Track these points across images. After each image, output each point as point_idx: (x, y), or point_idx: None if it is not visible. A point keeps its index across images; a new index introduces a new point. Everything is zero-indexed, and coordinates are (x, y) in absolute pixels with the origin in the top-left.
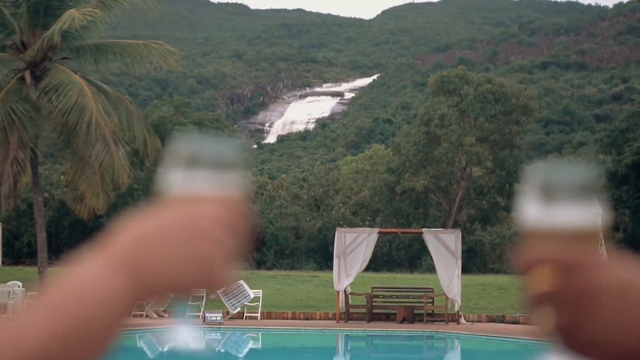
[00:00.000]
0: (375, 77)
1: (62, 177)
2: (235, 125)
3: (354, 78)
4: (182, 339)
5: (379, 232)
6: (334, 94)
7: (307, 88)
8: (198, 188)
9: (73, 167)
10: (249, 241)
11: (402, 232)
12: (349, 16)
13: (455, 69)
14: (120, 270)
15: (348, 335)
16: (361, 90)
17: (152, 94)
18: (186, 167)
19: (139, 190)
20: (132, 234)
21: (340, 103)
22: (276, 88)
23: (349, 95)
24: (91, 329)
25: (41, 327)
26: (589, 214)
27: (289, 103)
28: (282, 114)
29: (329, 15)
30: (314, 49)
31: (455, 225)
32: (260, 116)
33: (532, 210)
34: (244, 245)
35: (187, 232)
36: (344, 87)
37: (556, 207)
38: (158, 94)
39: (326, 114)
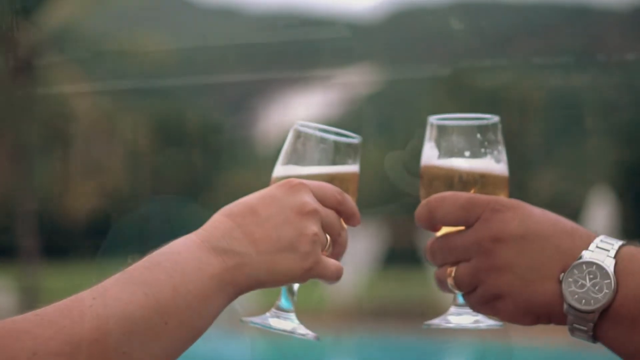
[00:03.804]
0: (375, 74)
1: (55, 175)
2: (233, 123)
3: (354, 75)
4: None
5: None
6: (333, 91)
7: (307, 85)
8: (304, 172)
9: (67, 165)
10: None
11: None
12: (347, 13)
13: (457, 66)
14: (211, 253)
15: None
16: (362, 87)
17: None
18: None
19: (135, 189)
20: (223, 214)
21: (340, 100)
22: (275, 85)
23: (348, 93)
24: (187, 306)
25: (133, 294)
26: (489, 163)
27: (288, 100)
28: (280, 112)
29: (328, 11)
30: (313, 45)
31: None
32: (259, 114)
33: (433, 159)
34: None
35: (282, 208)
36: (343, 84)
37: (458, 155)
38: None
39: (326, 111)
